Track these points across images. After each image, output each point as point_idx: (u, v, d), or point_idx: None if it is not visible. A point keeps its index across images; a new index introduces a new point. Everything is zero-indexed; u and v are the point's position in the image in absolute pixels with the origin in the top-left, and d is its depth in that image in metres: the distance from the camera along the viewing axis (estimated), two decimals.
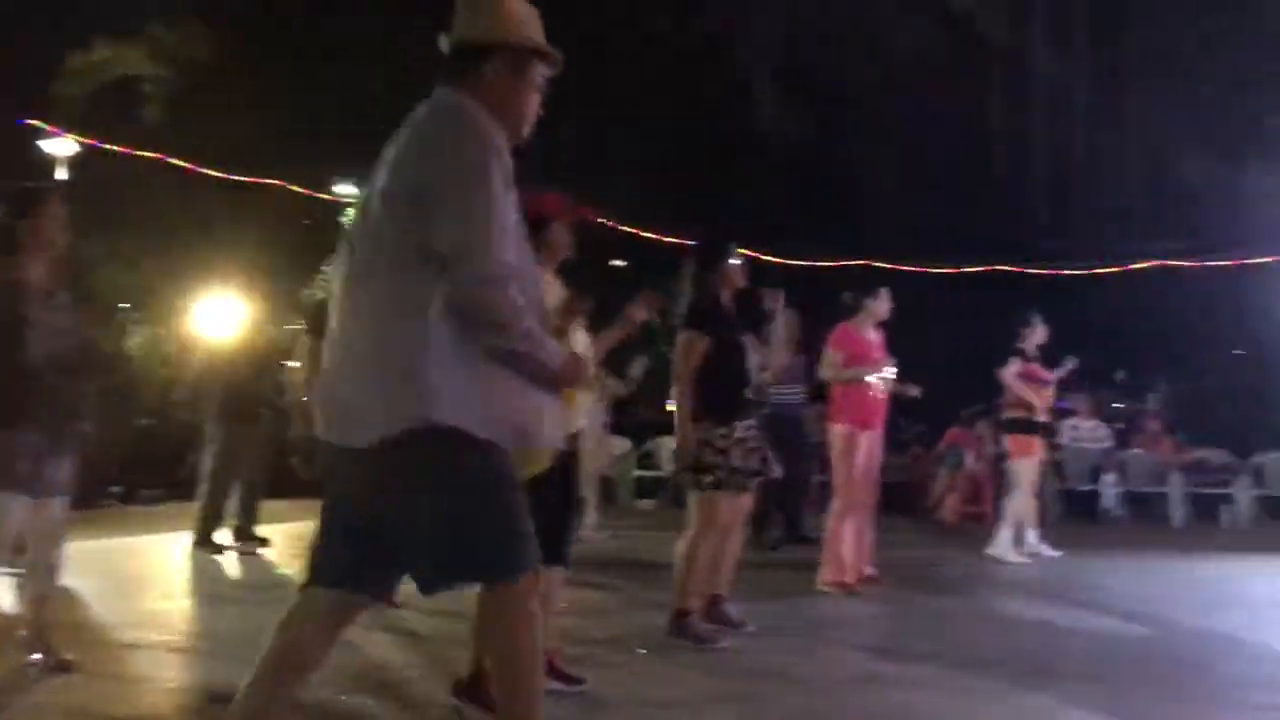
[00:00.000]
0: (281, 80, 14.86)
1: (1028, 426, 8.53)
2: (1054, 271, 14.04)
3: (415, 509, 2.55)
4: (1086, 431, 12.71)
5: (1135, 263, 14.07)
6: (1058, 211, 16.40)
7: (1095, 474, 12.31)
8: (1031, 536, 8.66)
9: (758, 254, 12.84)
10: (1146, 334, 15.38)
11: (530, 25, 2.77)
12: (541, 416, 2.68)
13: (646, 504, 13.50)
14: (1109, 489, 12.21)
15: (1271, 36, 14.04)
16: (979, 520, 11.11)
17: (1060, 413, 12.65)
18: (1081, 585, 7.42)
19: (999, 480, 10.24)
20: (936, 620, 6.13)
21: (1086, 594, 6.99)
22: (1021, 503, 8.54)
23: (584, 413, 4.42)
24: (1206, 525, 11.75)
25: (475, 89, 2.68)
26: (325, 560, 2.68)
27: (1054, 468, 11.01)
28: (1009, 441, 8.70)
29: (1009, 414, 8.66)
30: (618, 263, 16.78)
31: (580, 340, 4.22)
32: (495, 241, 2.50)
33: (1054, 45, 15.66)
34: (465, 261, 2.48)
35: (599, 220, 13.79)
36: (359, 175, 14.72)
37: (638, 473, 13.83)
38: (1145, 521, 12.11)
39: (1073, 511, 12.08)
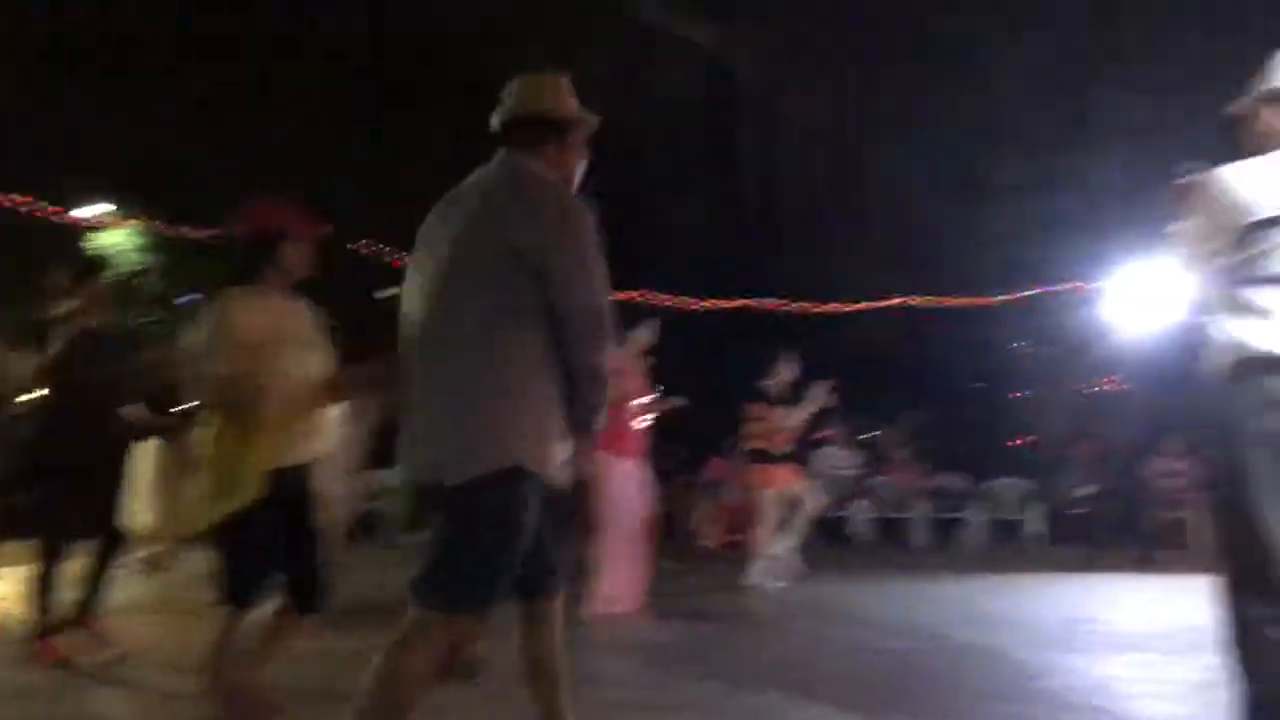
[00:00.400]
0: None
1: (768, 457, 8.81)
2: (811, 307, 14.66)
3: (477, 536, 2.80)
4: (839, 460, 13.31)
5: (884, 300, 14.87)
6: (811, 250, 17.18)
7: (846, 500, 12.88)
8: (775, 565, 8.92)
9: None
10: (894, 367, 16.30)
11: (575, 99, 3.13)
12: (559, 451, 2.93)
13: (414, 539, 13.08)
14: (859, 514, 12.81)
15: (1000, 94, 15.22)
16: (740, 548, 11.43)
17: (815, 442, 13.25)
18: (836, 607, 7.73)
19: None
20: (700, 646, 6.23)
21: (842, 615, 7.29)
22: (769, 531, 8.82)
23: (332, 441, 4.20)
24: (945, 547, 12.51)
25: (546, 156, 3.02)
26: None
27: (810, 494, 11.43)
28: (751, 472, 8.96)
29: (750, 445, 8.94)
30: (386, 293, 16.43)
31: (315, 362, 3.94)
32: (609, 311, 2.84)
33: (807, 88, 16.45)
34: (591, 328, 2.81)
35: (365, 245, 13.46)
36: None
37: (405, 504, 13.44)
38: (891, 544, 12.81)
39: (825, 536, 12.64)
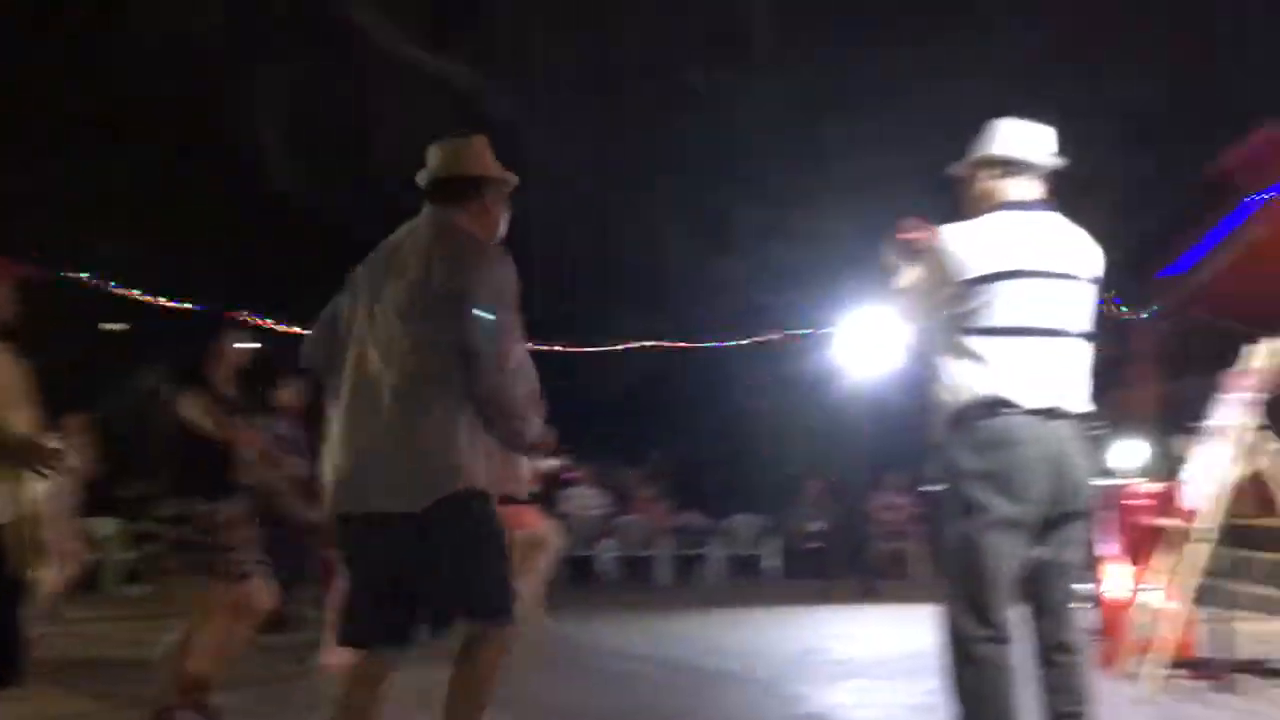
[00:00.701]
0: None
1: (513, 498, 8.83)
2: (565, 349, 14.80)
3: (442, 559, 3.14)
4: (586, 500, 13.45)
5: (634, 342, 15.19)
6: (561, 292, 17.37)
7: (594, 540, 13.01)
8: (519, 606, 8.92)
9: (278, 322, 12.41)
10: (642, 407, 16.64)
11: (493, 159, 3.52)
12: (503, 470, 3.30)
13: (136, 590, 12.27)
14: (606, 553, 12.97)
15: (741, 135, 15.91)
16: None
17: (564, 482, 13.36)
18: (582, 644, 7.81)
19: None
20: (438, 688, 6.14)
21: (588, 652, 7.38)
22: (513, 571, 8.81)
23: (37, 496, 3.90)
24: (687, 583, 12.84)
25: (470, 211, 3.43)
26: (358, 625, 3.28)
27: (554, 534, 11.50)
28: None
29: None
30: (113, 326, 15.46)
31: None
32: (515, 348, 3.20)
33: (564, 132, 16.67)
34: (492, 363, 3.12)
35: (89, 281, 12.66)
36: None
37: (127, 554, 12.60)
38: (637, 582, 13.04)
39: (572, 576, 12.75)
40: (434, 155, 3.50)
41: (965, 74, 14.01)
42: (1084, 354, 3.44)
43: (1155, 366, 14.41)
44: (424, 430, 3.10)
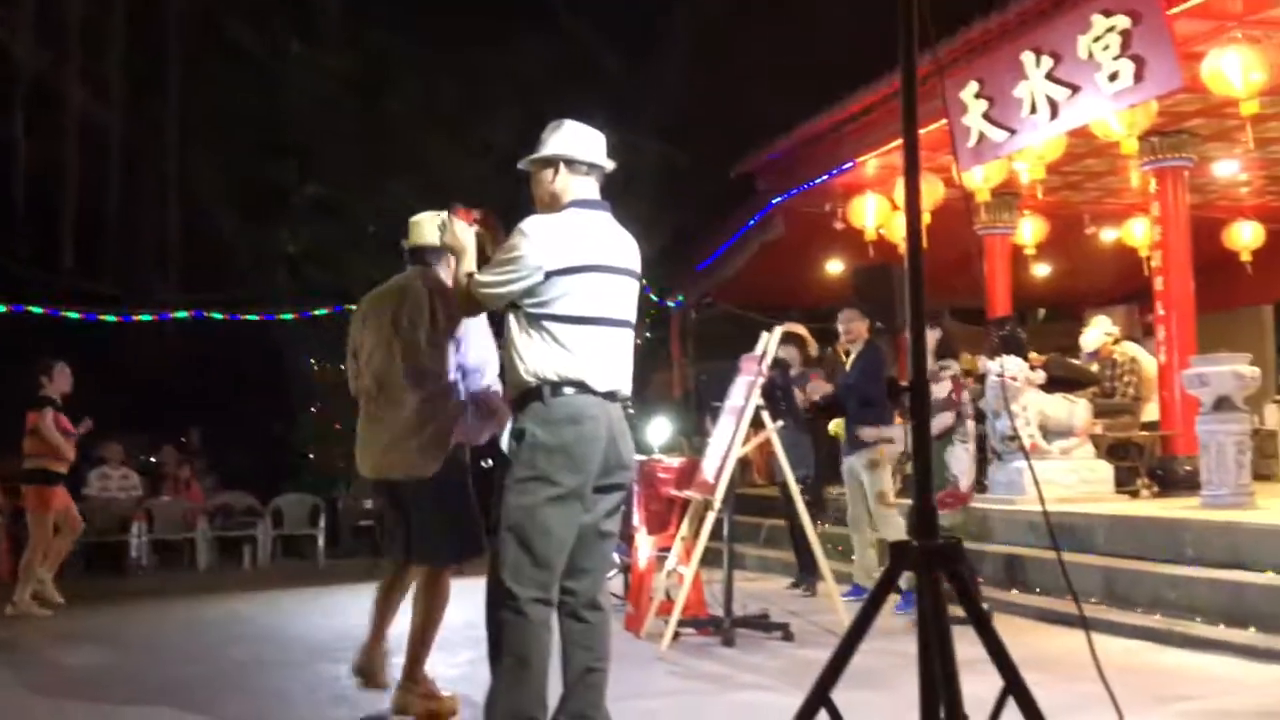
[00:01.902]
0: None
1: (47, 478, 8.16)
2: (86, 315, 13.55)
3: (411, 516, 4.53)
4: (116, 481, 12.45)
5: (171, 311, 14.22)
6: (91, 255, 15.94)
7: (125, 524, 12.08)
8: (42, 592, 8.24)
9: None
10: (181, 381, 15.62)
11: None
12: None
13: None
14: (137, 538, 12.08)
15: (301, 111, 15.34)
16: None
17: (92, 461, 12.29)
18: (116, 634, 7.28)
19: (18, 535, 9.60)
20: None
21: (119, 642, 6.88)
22: (39, 556, 8.14)
23: None
24: (231, 566, 12.27)
25: (438, 267, 4.61)
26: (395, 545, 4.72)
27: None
28: (28, 494, 8.21)
29: (31, 464, 8.18)
30: None
31: None
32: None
33: (93, 82, 15.24)
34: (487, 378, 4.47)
35: None
36: None
37: None
38: (174, 568, 12.28)
39: (100, 564, 11.80)
40: (410, 228, 4.71)
41: (519, 64, 14.43)
42: (631, 342, 3.79)
43: (682, 351, 15.64)
44: (431, 429, 4.40)
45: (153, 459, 14.34)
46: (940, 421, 6.48)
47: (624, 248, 3.76)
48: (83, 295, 13.55)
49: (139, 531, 12.06)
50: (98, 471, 12.28)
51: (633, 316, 3.79)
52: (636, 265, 3.81)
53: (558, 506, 3.54)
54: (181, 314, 13.77)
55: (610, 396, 3.65)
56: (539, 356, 3.60)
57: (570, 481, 3.55)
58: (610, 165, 3.83)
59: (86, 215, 15.33)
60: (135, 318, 13.77)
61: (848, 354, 7.61)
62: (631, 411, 3.92)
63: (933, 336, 6.58)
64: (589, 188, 3.77)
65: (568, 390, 3.57)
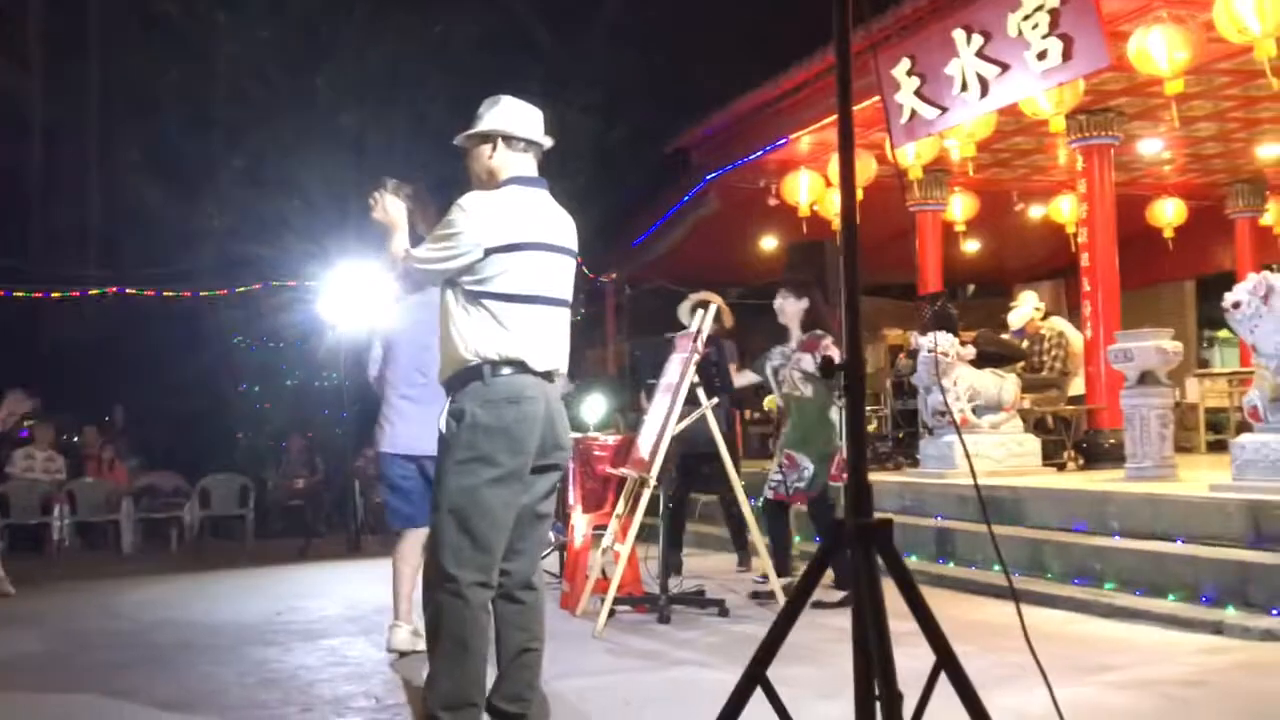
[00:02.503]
0: None
1: None
2: (5, 292, 13.18)
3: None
4: (40, 463, 12.16)
5: (93, 288, 13.89)
6: (11, 231, 15.51)
7: (46, 506, 11.79)
8: None
9: None
10: (102, 360, 15.26)
11: None
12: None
13: None
14: (59, 520, 11.81)
15: (226, 83, 15.02)
16: None
17: (17, 442, 12.00)
18: (34, 618, 7.09)
19: None
20: None
21: (36, 627, 6.70)
22: None
23: None
24: (158, 548, 12.05)
25: None
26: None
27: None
28: None
29: None
30: None
31: None
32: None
33: (7, 53, 14.78)
34: None
35: None
36: None
37: None
38: (98, 551, 12.03)
39: (21, 547, 11.52)
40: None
41: (449, 35, 14.23)
42: (568, 321, 3.77)
43: (617, 328, 15.61)
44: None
45: (74, 439, 14.02)
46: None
47: (562, 226, 3.72)
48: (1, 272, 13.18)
49: (61, 514, 11.79)
50: (23, 452, 11.98)
51: (570, 295, 3.76)
52: (574, 244, 3.77)
53: (498, 488, 3.50)
54: (102, 290, 13.44)
55: (548, 376, 3.62)
56: (478, 335, 3.55)
57: (510, 463, 3.51)
58: (548, 142, 3.78)
59: (3, 188, 14.90)
60: (54, 294, 13.41)
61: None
62: (570, 389, 3.90)
63: (799, 306, 6.61)
64: (527, 164, 3.71)
65: (507, 370, 3.53)
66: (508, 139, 3.69)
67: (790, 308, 6.67)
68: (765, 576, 6.44)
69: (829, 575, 6.30)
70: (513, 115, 3.72)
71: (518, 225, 3.56)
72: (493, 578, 3.53)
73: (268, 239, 14.45)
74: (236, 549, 11.89)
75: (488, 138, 3.70)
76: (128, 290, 13.71)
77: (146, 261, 14.42)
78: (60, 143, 15.67)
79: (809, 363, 6.49)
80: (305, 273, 12.88)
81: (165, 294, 13.76)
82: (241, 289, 13.79)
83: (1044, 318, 10.42)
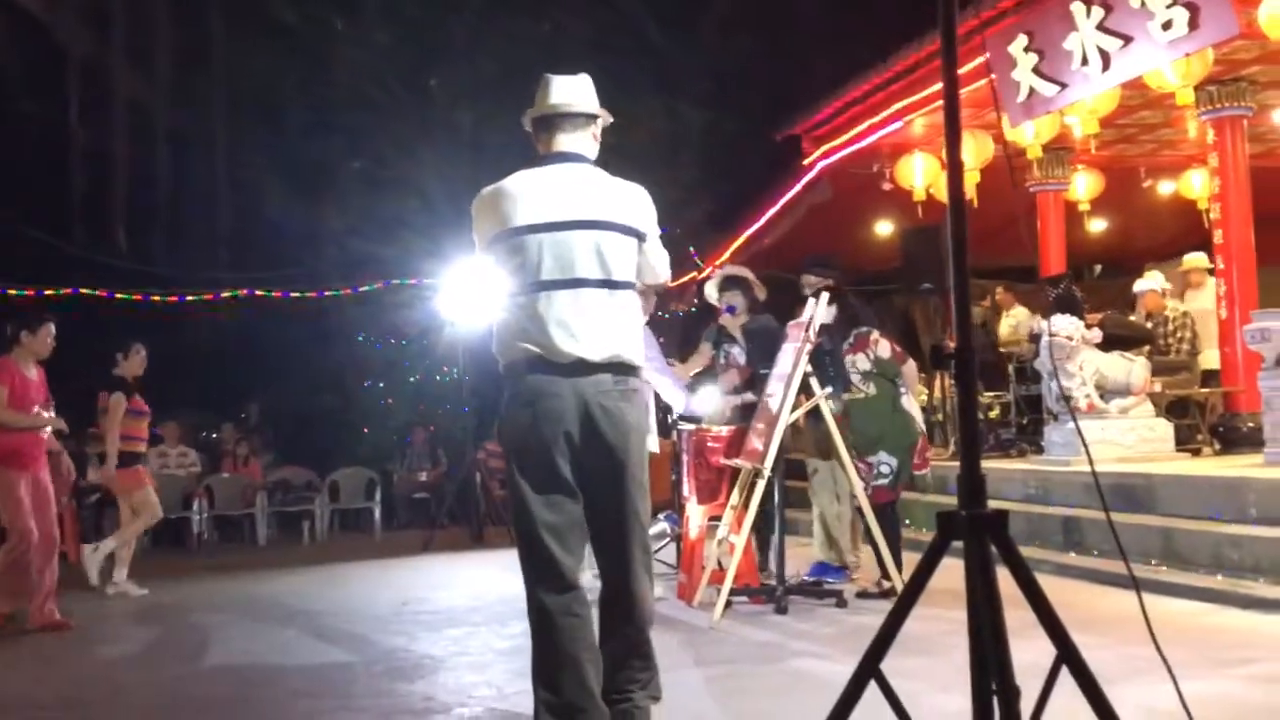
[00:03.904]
0: None
1: (133, 459, 8.37)
2: (142, 296, 13.77)
3: None
4: (174, 459, 12.67)
5: (224, 290, 14.40)
6: (146, 237, 16.18)
7: (186, 501, 12.29)
8: (120, 574, 8.42)
9: None
10: (237, 359, 15.85)
11: None
12: None
13: None
14: (199, 515, 12.30)
15: (344, 88, 15.40)
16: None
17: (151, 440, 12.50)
18: (181, 610, 7.42)
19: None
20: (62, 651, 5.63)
21: (180, 620, 7.00)
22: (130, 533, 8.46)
23: None
24: (291, 540, 12.46)
25: None
26: None
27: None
28: (120, 476, 8.40)
29: (124, 447, 8.40)
30: None
31: None
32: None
33: (139, 65, 15.40)
34: None
35: None
36: None
37: None
38: (234, 543, 12.49)
39: (163, 541, 12.04)
40: None
41: (559, 33, 14.34)
42: (618, 303, 3.42)
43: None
44: None
45: (213, 436, 14.58)
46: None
47: (587, 199, 3.43)
48: (136, 277, 13.76)
49: (200, 508, 12.28)
50: (155, 450, 12.49)
51: (606, 273, 3.40)
52: (608, 215, 3.43)
53: (536, 495, 3.35)
54: (234, 292, 13.94)
55: (578, 369, 3.33)
56: (501, 331, 3.45)
57: (534, 470, 3.36)
58: (588, 110, 3.56)
59: (137, 198, 15.54)
60: (189, 298, 13.96)
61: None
62: (625, 383, 3.44)
63: (830, 312, 6.46)
64: (573, 141, 3.54)
65: (525, 368, 3.36)
66: (543, 117, 3.57)
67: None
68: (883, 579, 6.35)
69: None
70: (549, 92, 3.57)
71: (516, 210, 3.39)
72: (560, 582, 3.36)
73: (388, 238, 14.79)
74: (365, 541, 12.23)
75: (530, 118, 3.63)
76: (257, 292, 14.18)
77: (274, 263, 14.90)
78: (188, 150, 16.27)
79: (864, 362, 6.48)
80: (424, 270, 13.15)
81: (292, 294, 14.19)
82: (364, 288, 14.15)
83: (1165, 296, 10.04)
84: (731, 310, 7.20)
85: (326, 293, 14.52)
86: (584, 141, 3.59)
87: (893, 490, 6.46)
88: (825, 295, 6.35)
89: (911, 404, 6.61)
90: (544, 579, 3.40)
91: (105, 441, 8.22)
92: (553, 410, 3.34)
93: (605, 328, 3.38)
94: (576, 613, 3.39)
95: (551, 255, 3.37)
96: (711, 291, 7.24)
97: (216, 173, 16.28)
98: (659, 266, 3.65)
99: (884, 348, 6.52)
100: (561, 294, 3.36)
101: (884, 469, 6.41)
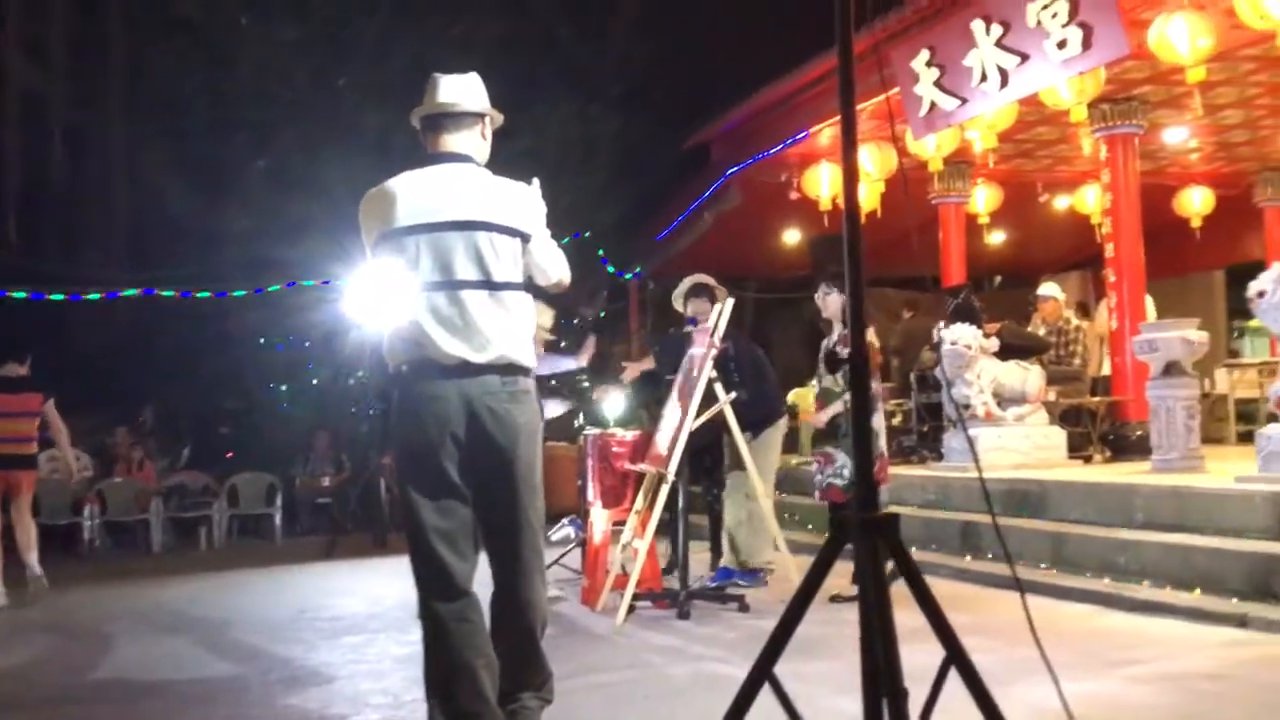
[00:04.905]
0: None
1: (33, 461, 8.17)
2: (33, 294, 13.31)
3: None
4: (63, 463, 12.26)
5: (121, 289, 13.99)
6: (39, 234, 15.67)
7: (77, 507, 11.90)
8: None
9: None
10: (132, 361, 15.40)
11: None
12: None
13: None
14: (89, 520, 11.92)
15: (249, 85, 15.07)
16: None
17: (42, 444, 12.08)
18: (68, 621, 7.17)
19: None
20: None
21: (69, 628, 6.78)
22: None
23: None
24: (187, 547, 12.15)
25: None
26: None
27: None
28: (24, 478, 8.16)
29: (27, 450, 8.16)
30: None
31: None
32: None
33: (33, 57, 14.92)
34: None
35: None
36: None
37: None
38: (128, 549, 12.14)
39: (54, 547, 11.64)
40: None
41: (471, 33, 14.24)
42: (502, 304, 3.37)
43: (641, 323, 15.58)
44: None
45: (107, 439, 14.14)
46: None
47: (467, 199, 3.38)
48: (28, 274, 13.31)
49: (91, 514, 11.90)
50: (46, 454, 12.07)
51: (486, 274, 3.34)
52: (488, 215, 3.36)
53: (422, 500, 3.30)
54: (131, 291, 13.56)
55: (463, 370, 3.29)
56: (389, 335, 3.41)
57: (421, 475, 3.30)
58: (467, 106, 3.50)
59: (30, 192, 15.04)
60: (84, 296, 13.55)
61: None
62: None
63: (838, 300, 6.53)
64: (459, 141, 3.50)
65: (410, 370, 3.33)
66: (428, 117, 3.53)
67: (832, 302, 6.59)
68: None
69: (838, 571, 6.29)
70: (435, 92, 3.53)
71: (390, 213, 3.35)
72: (448, 590, 3.31)
73: (293, 239, 14.50)
74: (265, 547, 11.98)
75: (417, 117, 3.57)
76: (156, 291, 13.81)
77: (173, 263, 14.52)
78: (86, 145, 15.80)
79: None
80: (330, 272, 12.93)
81: (192, 294, 13.85)
82: (268, 289, 13.87)
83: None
84: (694, 323, 7.15)
85: (228, 294, 14.19)
86: (471, 141, 3.54)
87: (846, 492, 6.34)
88: (730, 301, 6.40)
89: (879, 420, 6.61)
90: (435, 585, 3.34)
91: None
92: (438, 413, 3.29)
93: (489, 329, 3.32)
94: (469, 619, 3.34)
95: (430, 257, 3.33)
96: (678, 299, 7.17)
97: (113, 169, 15.82)
98: (550, 267, 3.51)
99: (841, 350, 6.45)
100: (441, 295, 3.32)
101: (845, 471, 6.31)
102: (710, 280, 7.04)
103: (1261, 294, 6.03)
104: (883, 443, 6.59)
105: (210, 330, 14.90)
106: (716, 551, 7.43)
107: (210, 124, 14.63)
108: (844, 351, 6.37)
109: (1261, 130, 11.11)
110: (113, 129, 15.51)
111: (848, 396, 6.27)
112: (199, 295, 14.01)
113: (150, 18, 15.08)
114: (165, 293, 13.90)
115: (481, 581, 3.45)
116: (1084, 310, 10.73)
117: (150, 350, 15.06)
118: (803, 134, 11.04)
